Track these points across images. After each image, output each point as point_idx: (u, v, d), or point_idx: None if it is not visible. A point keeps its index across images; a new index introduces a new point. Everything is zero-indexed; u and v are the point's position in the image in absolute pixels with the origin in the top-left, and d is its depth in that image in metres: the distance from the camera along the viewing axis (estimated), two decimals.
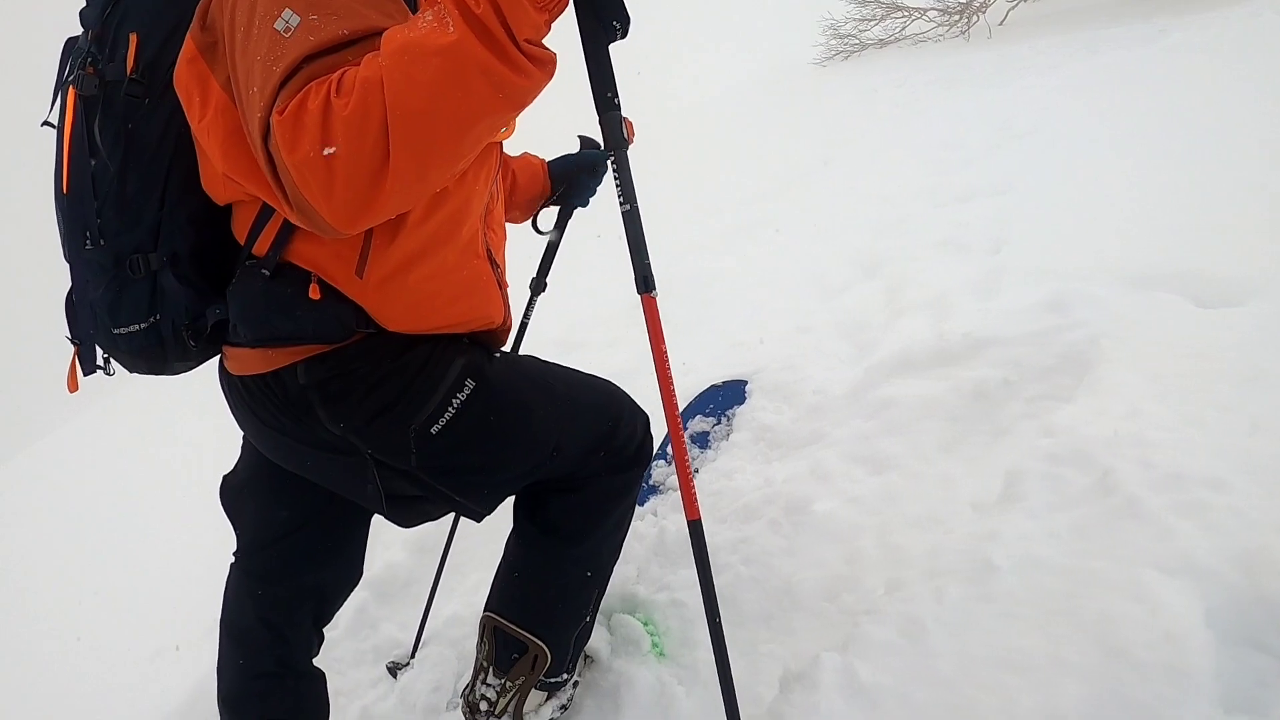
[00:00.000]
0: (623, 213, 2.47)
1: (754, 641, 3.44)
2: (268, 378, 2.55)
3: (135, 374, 2.79)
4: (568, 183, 3.60)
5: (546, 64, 1.96)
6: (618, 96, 2.38)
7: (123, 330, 2.52)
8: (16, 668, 5.62)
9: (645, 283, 2.57)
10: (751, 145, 11.95)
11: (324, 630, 3.31)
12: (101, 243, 2.45)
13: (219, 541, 6.00)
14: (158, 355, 2.60)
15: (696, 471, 4.52)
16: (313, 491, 2.89)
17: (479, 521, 2.94)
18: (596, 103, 2.36)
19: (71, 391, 2.76)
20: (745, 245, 8.46)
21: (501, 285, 2.84)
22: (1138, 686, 2.51)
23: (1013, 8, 15.35)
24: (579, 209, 3.70)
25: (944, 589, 3.03)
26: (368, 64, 1.90)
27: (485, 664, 3.16)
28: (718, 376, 5.37)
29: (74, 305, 2.62)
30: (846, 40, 17.31)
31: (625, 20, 2.27)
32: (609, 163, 2.45)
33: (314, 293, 2.43)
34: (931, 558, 3.32)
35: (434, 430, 2.61)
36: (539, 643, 3.05)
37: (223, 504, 3.20)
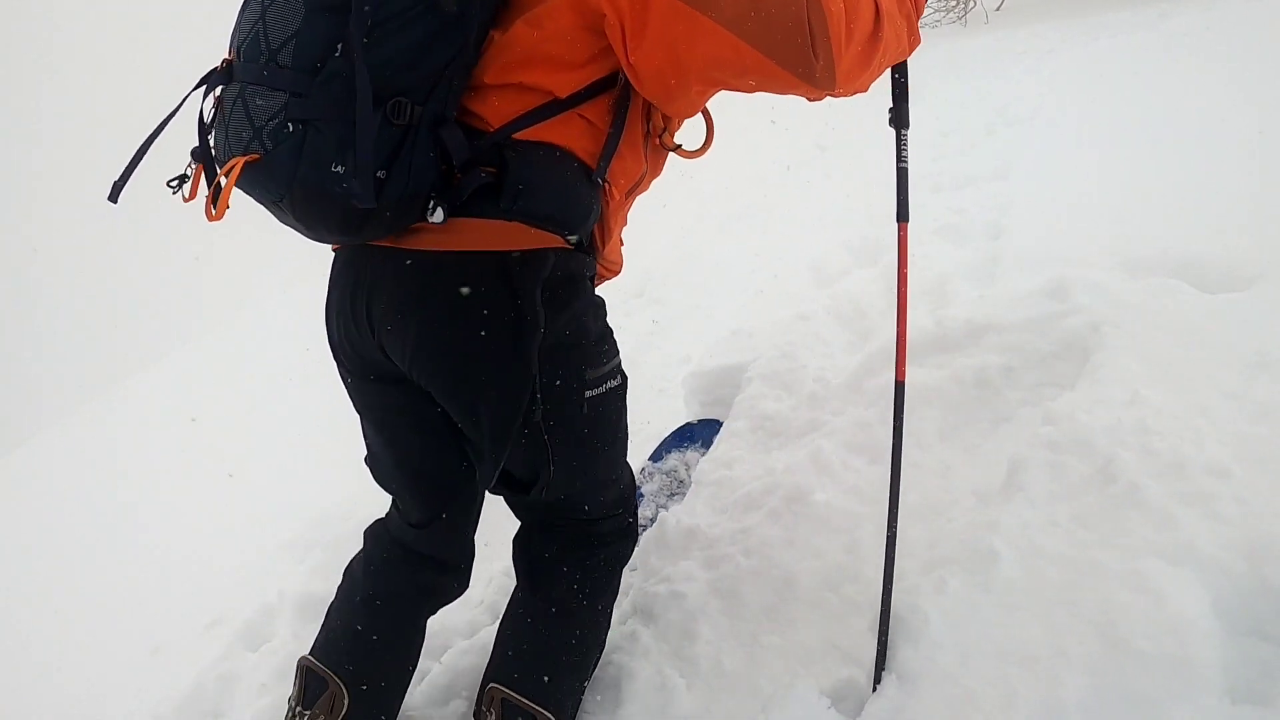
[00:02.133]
0: (899, 169, 3.36)
1: (755, 633, 3.40)
2: (499, 255, 2.48)
3: (282, 223, 2.56)
4: None
5: (916, 41, 2.67)
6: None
7: (337, 169, 2.24)
8: (7, 668, 5.60)
9: (904, 213, 3.33)
10: (748, 133, 11.89)
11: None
12: (359, 63, 2.19)
13: (215, 539, 6.02)
14: (354, 215, 2.33)
15: (650, 523, 4.48)
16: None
17: (544, 497, 2.95)
18: (894, 96, 3.17)
19: (216, 220, 2.41)
20: (742, 233, 8.46)
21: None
22: (1141, 678, 2.49)
23: None
24: None
25: (945, 579, 3.00)
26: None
27: None
28: (714, 366, 5.35)
29: (230, 115, 2.36)
30: None
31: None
32: (900, 132, 3.26)
33: (609, 197, 2.68)
34: (931, 548, 3.30)
35: (588, 395, 2.74)
36: (547, 715, 2.97)
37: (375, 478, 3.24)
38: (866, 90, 2.54)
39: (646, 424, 5.57)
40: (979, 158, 7.57)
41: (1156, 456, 3.09)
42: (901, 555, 3.31)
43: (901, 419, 3.11)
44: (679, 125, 2.82)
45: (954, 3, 15.85)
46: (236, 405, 8.23)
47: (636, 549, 4.00)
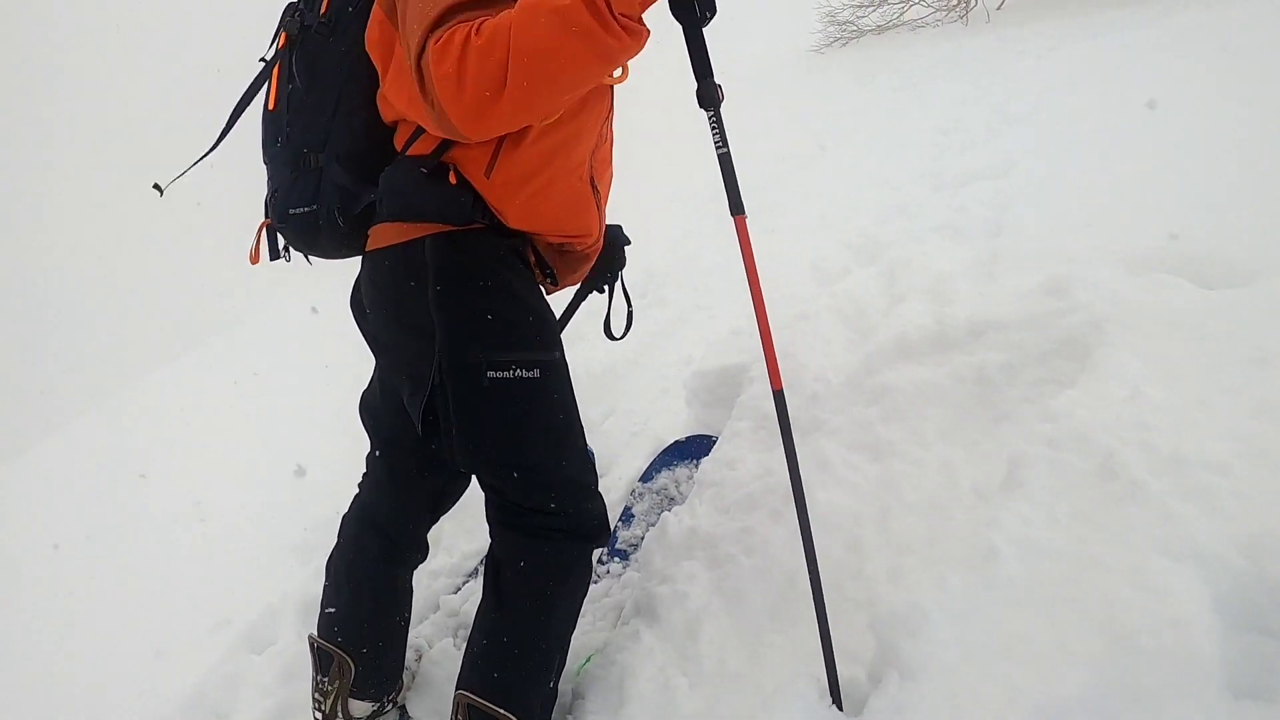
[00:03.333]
0: (720, 154, 3.04)
1: (758, 632, 3.44)
2: (398, 248, 3.09)
3: (299, 252, 3.48)
4: (614, 249, 3.96)
5: (637, 35, 2.56)
6: (710, 67, 2.94)
7: (293, 210, 3.21)
8: (11, 669, 5.61)
9: (737, 205, 3.18)
10: (749, 133, 11.88)
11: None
12: (284, 141, 3.24)
13: (219, 542, 6.02)
14: (310, 234, 3.26)
15: (629, 555, 4.55)
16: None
17: (453, 464, 3.27)
18: (695, 72, 2.92)
19: (253, 263, 3.45)
20: None
21: (599, 208, 3.42)
22: (1143, 673, 2.48)
23: None
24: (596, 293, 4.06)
25: (945, 576, 3.00)
26: (502, 16, 2.52)
27: None
28: (715, 366, 5.36)
29: (269, 200, 3.35)
30: (844, 26, 17.28)
31: (713, 8, 2.84)
32: (709, 116, 2.96)
33: (452, 178, 3.02)
34: (932, 545, 3.31)
35: (489, 374, 3.06)
36: (507, 714, 3.14)
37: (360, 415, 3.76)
38: (533, 116, 2.81)
39: (648, 424, 5.58)
40: (979, 155, 7.56)
41: (1156, 452, 3.08)
42: (901, 552, 3.33)
43: (789, 427, 3.22)
44: None
45: (955, 2, 15.84)
46: (241, 409, 8.25)
47: (639, 550, 4.02)
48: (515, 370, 3.07)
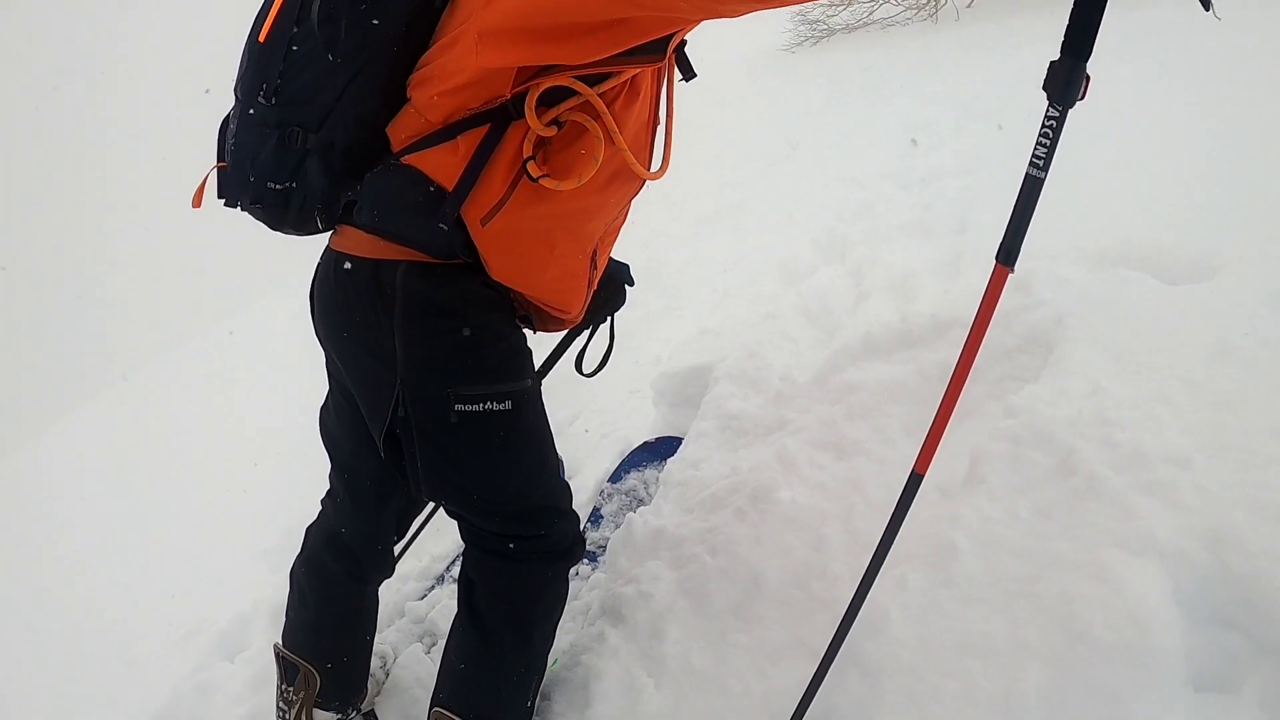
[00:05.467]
0: (1031, 177, 2.56)
1: (722, 632, 3.43)
2: (370, 263, 2.83)
3: (252, 218, 3.00)
4: (615, 286, 3.82)
5: None
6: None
7: (264, 185, 2.81)
8: None
9: (1010, 254, 2.64)
10: (719, 133, 11.91)
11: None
12: (273, 102, 2.76)
13: (190, 549, 6.00)
14: (278, 216, 2.91)
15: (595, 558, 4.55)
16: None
17: (414, 494, 3.24)
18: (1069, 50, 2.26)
19: (195, 207, 3.05)
20: (712, 232, 8.47)
21: (590, 285, 3.20)
22: (1101, 668, 2.50)
23: None
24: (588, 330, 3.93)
25: (906, 575, 3.00)
26: None
27: None
28: (683, 367, 5.36)
29: (225, 132, 2.96)
30: (815, 26, 17.26)
31: None
32: (1053, 111, 2.42)
33: (466, 219, 2.73)
34: (894, 544, 3.30)
35: (457, 408, 2.86)
36: None
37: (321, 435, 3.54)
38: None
39: (616, 426, 5.58)
40: (946, 154, 7.58)
41: (1117, 448, 3.09)
42: (865, 550, 3.30)
43: (904, 513, 2.89)
44: (564, 164, 2.76)
45: (925, 0, 15.87)
46: (208, 417, 8.23)
47: (605, 552, 4.01)
48: (486, 404, 2.90)
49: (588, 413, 6.03)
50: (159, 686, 4.52)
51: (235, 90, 2.90)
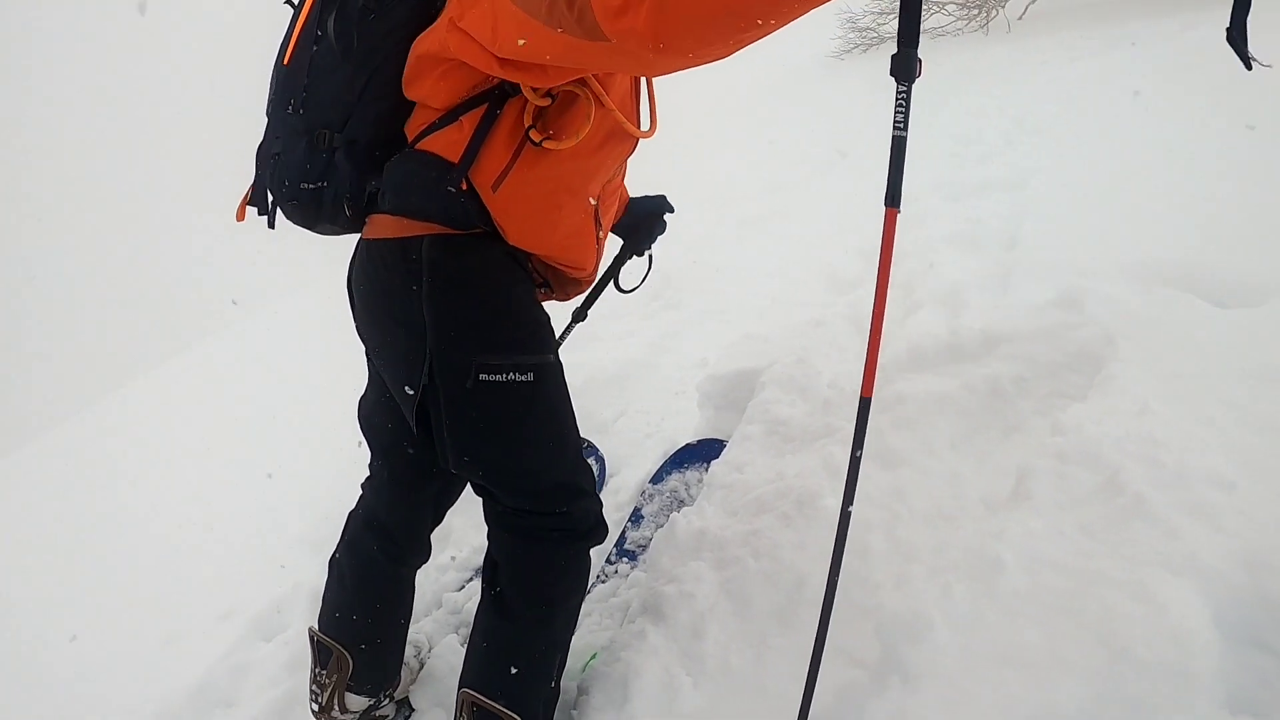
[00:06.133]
0: (896, 137, 2.66)
1: (763, 634, 3.45)
2: (397, 242, 3.04)
3: (292, 223, 3.26)
4: (637, 225, 4.08)
5: None
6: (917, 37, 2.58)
7: (303, 185, 3.05)
8: (21, 656, 5.64)
9: (894, 198, 2.79)
10: (767, 138, 11.90)
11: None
12: (301, 112, 3.06)
13: (231, 532, 6.05)
14: (313, 214, 3.11)
15: (629, 562, 4.57)
16: None
17: (445, 466, 3.21)
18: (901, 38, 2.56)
19: (239, 220, 3.37)
20: (758, 238, 8.47)
21: (599, 243, 3.38)
22: (1139, 685, 2.51)
23: (1032, 2, 15.28)
24: (635, 257, 4.19)
25: (950, 585, 3.02)
26: None
27: None
28: (730, 370, 5.39)
29: (262, 155, 3.26)
30: (865, 33, 17.23)
31: None
32: (900, 86, 2.59)
33: (462, 185, 2.92)
34: (938, 553, 3.32)
35: (481, 377, 3.02)
36: (511, 714, 3.17)
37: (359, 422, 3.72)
38: (710, 51, 2.40)
39: (660, 426, 5.60)
40: (996, 167, 7.56)
41: (1162, 468, 3.10)
42: (909, 560, 3.35)
43: (862, 435, 2.96)
44: (561, 126, 2.95)
45: (975, 11, 15.80)
46: (255, 400, 8.27)
47: (647, 551, 4.04)
48: (509, 374, 3.06)
49: (631, 412, 6.04)
50: (195, 665, 4.56)
51: (267, 112, 3.23)
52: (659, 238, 4.11)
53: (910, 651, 2.88)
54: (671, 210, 4.07)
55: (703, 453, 5.14)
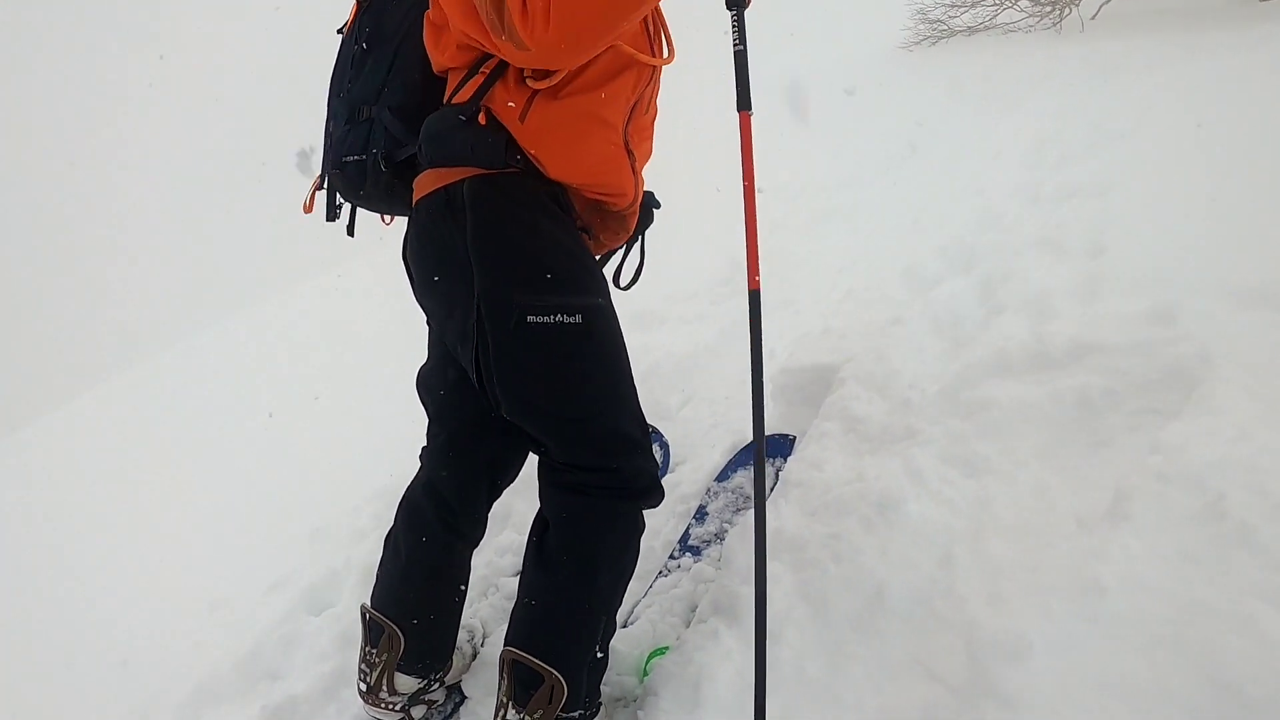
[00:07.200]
0: (736, 51, 3.25)
1: (840, 642, 3.39)
2: (439, 193, 3.20)
3: (346, 201, 3.71)
4: (644, 209, 4.03)
5: None
6: None
7: (345, 159, 3.46)
8: (71, 611, 5.65)
9: (744, 102, 3.31)
10: (837, 128, 11.82)
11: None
12: (344, 95, 3.55)
13: (286, 505, 6.04)
14: (357, 182, 3.48)
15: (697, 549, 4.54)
16: None
17: (499, 413, 3.31)
18: None
19: (306, 212, 3.74)
20: (832, 232, 8.40)
21: (635, 171, 3.47)
22: None
23: (1106, 2, 15.10)
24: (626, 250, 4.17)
25: (1049, 605, 2.96)
26: None
27: (505, 699, 3.28)
28: (805, 364, 5.35)
29: (326, 149, 3.64)
30: (935, 26, 17.09)
31: None
32: (730, 12, 3.24)
33: (481, 119, 3.10)
34: (1033, 572, 3.24)
35: (529, 319, 3.09)
36: (554, 672, 3.19)
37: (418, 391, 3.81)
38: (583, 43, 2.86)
39: (727, 417, 5.53)
40: (1078, 171, 7.43)
41: (1268, 497, 3.03)
42: (999, 576, 3.28)
43: (759, 327, 3.26)
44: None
45: (1049, 8, 15.64)
46: (314, 374, 8.28)
47: (723, 546, 3.98)
48: (557, 315, 3.11)
49: (697, 400, 5.99)
50: (244, 634, 4.59)
51: (327, 113, 3.68)
52: (646, 230, 4.06)
53: (1007, 673, 2.82)
54: (658, 205, 4.07)
55: (771, 449, 5.04)
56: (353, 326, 9.38)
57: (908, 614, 3.36)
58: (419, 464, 3.79)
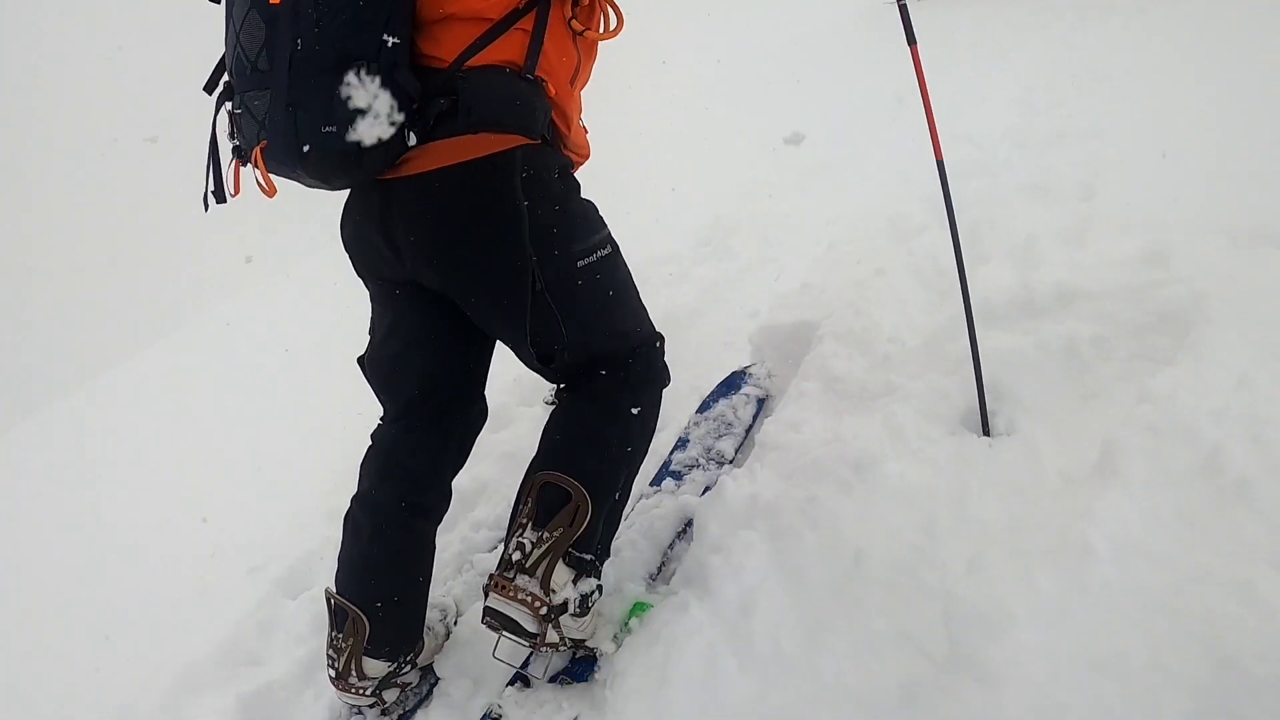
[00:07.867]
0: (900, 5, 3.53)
1: (819, 615, 3.19)
2: (474, 163, 3.05)
3: (301, 183, 3.14)
4: None
5: None
6: None
7: (321, 131, 2.86)
8: (56, 601, 5.53)
9: (911, 37, 3.67)
10: (824, 83, 11.65)
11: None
12: (317, 48, 2.81)
13: (259, 488, 5.91)
14: (354, 160, 2.93)
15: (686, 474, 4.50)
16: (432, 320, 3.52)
17: (545, 368, 3.46)
18: None
19: (235, 195, 3.26)
20: (816, 185, 8.24)
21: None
22: (1250, 705, 2.27)
23: None
24: None
25: (1032, 573, 2.77)
26: None
27: (524, 521, 3.31)
28: (785, 321, 5.21)
29: (241, 119, 3.06)
30: None
31: None
32: None
33: (550, 89, 3.15)
34: (1015, 532, 3.06)
35: (579, 264, 3.26)
36: (582, 489, 3.27)
37: (365, 375, 3.76)
38: None
39: (710, 379, 5.37)
40: (1067, 114, 7.31)
41: (1270, 449, 2.86)
42: (981, 539, 3.10)
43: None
44: (590, 15, 3.23)
45: None
46: (285, 361, 8.16)
47: (695, 516, 3.82)
48: (596, 253, 3.32)
49: (678, 364, 5.81)
50: (224, 620, 4.51)
51: (233, 70, 3.16)
52: None
53: (989, 648, 2.62)
54: None
55: (745, 378, 5.12)
56: (328, 310, 9.28)
57: (890, 583, 3.17)
58: (370, 441, 3.74)
